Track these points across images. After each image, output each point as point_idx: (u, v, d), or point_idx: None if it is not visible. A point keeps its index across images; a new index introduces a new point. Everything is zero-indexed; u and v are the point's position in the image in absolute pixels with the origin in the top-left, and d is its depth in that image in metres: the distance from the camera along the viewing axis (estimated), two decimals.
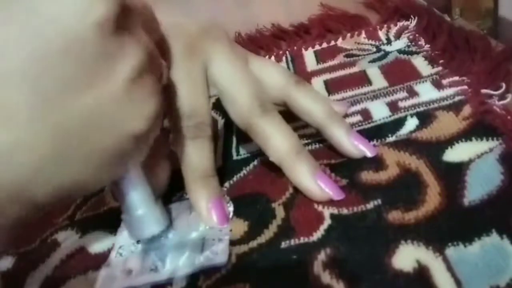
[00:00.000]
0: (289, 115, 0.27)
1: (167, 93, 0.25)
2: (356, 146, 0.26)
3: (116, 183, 0.22)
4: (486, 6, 0.41)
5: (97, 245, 0.26)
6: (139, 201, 0.22)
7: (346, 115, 0.30)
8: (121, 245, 0.24)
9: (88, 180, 0.19)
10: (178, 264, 0.22)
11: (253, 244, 0.23)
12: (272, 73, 0.27)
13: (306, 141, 0.29)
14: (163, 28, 0.25)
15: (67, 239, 0.27)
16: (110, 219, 0.26)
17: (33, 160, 0.17)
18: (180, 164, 0.25)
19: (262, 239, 0.23)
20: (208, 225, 0.24)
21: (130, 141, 0.19)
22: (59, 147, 0.17)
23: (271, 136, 0.25)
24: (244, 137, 0.28)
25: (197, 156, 0.25)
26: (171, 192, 0.27)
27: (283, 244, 0.22)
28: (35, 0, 0.17)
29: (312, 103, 0.27)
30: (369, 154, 0.26)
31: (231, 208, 0.25)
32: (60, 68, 0.17)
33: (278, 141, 0.25)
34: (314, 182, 0.24)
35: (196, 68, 0.25)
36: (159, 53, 0.22)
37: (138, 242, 0.24)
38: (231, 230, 0.24)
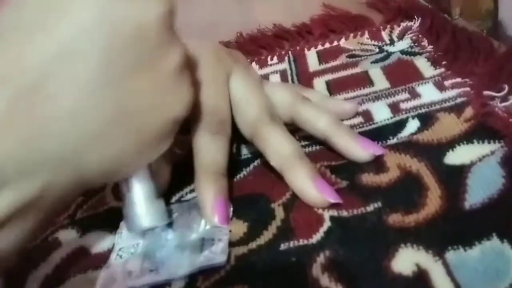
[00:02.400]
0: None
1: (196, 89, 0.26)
2: (364, 150, 0.25)
3: None
4: (486, 6, 0.40)
5: (98, 244, 0.26)
6: (143, 192, 0.23)
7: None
8: (121, 247, 0.25)
9: (128, 160, 0.21)
10: (178, 264, 0.22)
11: (252, 245, 0.23)
12: (282, 94, 0.29)
13: (306, 143, 0.29)
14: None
15: (68, 238, 0.27)
16: (111, 219, 0.27)
17: (89, 130, 0.19)
18: (194, 157, 0.26)
19: (261, 240, 0.23)
20: (209, 222, 0.24)
21: (170, 124, 0.22)
22: (113, 121, 0.20)
23: (274, 142, 0.26)
24: (245, 138, 0.28)
25: (213, 151, 0.25)
26: (170, 192, 0.27)
27: (282, 246, 0.22)
28: None
29: (317, 114, 0.27)
30: (377, 153, 0.25)
31: (230, 209, 0.25)
32: (127, 51, 0.20)
33: (280, 146, 0.25)
34: (312, 186, 0.24)
35: (222, 76, 0.27)
36: None
37: (137, 244, 0.24)
38: (230, 231, 0.24)
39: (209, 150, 0.25)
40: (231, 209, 0.25)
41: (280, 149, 0.25)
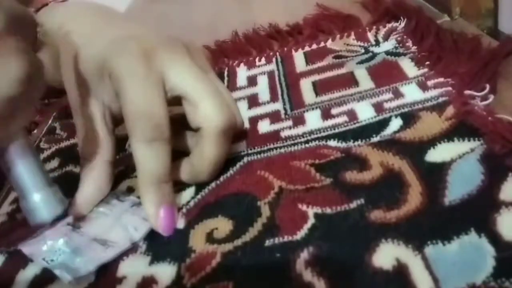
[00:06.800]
0: None
1: (121, 98, 0.25)
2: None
3: (4, 166, 0.23)
4: (486, 6, 0.41)
5: None
6: (32, 184, 0.23)
7: (332, 116, 0.30)
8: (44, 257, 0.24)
9: None
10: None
11: (238, 242, 0.23)
12: None
13: (291, 142, 0.29)
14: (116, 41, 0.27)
15: None
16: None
17: None
18: (136, 168, 0.25)
19: (247, 237, 0.23)
20: (158, 230, 0.25)
21: (5, 103, 0.20)
22: None
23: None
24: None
25: (152, 161, 0.25)
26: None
27: (267, 242, 0.22)
28: None
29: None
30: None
31: (175, 215, 0.26)
32: None
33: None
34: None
35: (152, 73, 0.26)
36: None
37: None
38: None
39: (147, 160, 0.25)
40: (179, 213, 0.26)
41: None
